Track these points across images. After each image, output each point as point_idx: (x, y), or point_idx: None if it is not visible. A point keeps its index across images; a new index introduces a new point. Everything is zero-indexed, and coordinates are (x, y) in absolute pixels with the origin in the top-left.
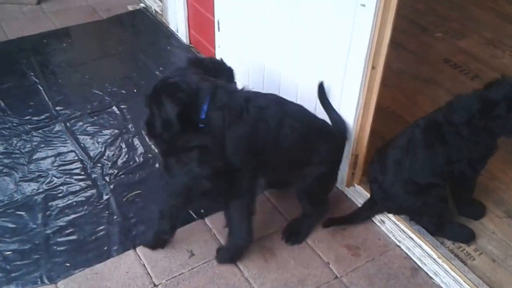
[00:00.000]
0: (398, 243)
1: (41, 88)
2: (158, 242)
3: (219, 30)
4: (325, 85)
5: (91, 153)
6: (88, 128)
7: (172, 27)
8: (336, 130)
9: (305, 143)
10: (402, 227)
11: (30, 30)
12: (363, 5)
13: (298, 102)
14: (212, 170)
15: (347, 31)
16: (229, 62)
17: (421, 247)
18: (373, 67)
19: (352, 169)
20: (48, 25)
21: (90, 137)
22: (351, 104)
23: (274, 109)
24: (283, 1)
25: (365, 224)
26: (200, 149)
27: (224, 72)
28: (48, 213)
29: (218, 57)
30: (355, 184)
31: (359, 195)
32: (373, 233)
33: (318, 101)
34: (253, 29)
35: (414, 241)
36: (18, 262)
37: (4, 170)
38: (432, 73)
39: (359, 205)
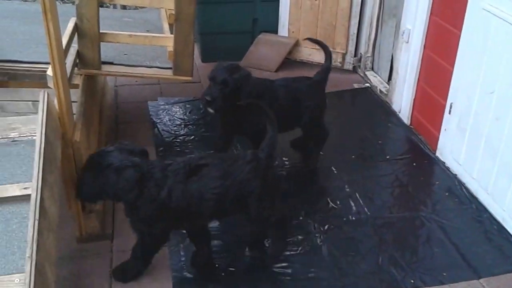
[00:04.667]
0: None
1: None
2: None
3: (449, 113)
4: None
5: None
6: None
7: (395, 107)
8: None
9: None
10: None
11: None
12: None
13: None
14: None
15: None
16: (454, 144)
17: None
18: None
19: None
20: None
21: None
22: None
23: None
24: None
25: None
26: None
27: None
28: None
29: (442, 141)
30: None
31: None
32: None
33: None
34: (490, 117)
35: None
36: None
37: None
38: None
39: None
